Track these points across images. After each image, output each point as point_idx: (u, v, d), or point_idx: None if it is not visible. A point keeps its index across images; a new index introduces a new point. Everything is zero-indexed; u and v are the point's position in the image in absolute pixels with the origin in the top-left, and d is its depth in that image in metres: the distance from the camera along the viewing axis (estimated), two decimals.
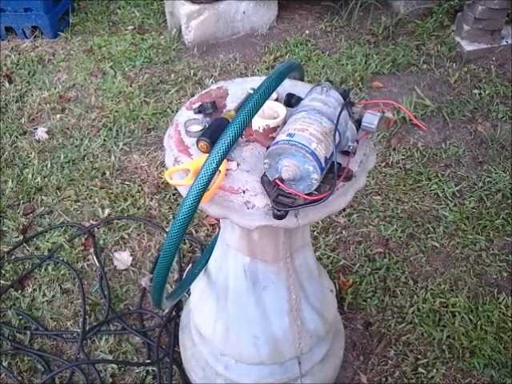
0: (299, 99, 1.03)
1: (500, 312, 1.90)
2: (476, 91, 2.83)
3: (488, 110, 2.72)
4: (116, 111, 2.70)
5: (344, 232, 2.15)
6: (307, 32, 3.27)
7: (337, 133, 0.92)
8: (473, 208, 2.24)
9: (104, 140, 2.54)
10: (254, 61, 3.06)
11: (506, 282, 2.00)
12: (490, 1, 2.93)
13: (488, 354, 1.78)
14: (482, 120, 2.68)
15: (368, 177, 2.36)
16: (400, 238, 2.12)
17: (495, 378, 1.73)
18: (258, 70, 2.95)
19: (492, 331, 1.84)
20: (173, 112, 2.68)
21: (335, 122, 0.92)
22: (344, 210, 2.21)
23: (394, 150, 2.49)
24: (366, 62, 2.98)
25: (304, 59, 3.02)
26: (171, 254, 0.89)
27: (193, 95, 2.62)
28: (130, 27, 3.34)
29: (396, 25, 3.27)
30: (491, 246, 2.11)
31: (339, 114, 0.92)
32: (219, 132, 0.89)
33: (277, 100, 1.11)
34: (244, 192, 0.93)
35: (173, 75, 2.94)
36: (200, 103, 1.12)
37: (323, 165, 0.87)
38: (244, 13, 3.17)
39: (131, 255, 2.06)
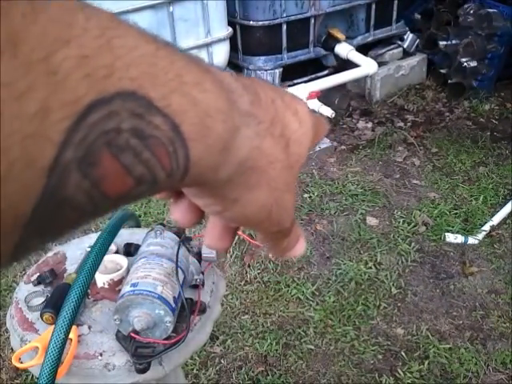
0: (138, 247, 1.05)
1: None
2: (306, 195, 3.09)
3: (321, 209, 2.97)
4: None
5: (223, 361, 2.11)
6: None
7: (179, 270, 0.95)
8: (333, 302, 2.36)
9: None
10: None
11: (383, 364, 2.09)
12: None
13: None
14: (318, 219, 2.90)
15: (232, 298, 2.39)
16: (277, 350, 2.14)
17: None
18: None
19: None
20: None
21: (175, 260, 0.95)
22: (217, 338, 2.19)
23: (249, 266, 2.57)
24: None
25: (144, 202, 3.08)
26: None
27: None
28: None
29: None
30: (360, 333, 2.21)
31: (177, 253, 0.96)
32: (63, 299, 0.88)
33: (117, 252, 1.12)
34: (101, 355, 0.90)
35: None
36: (38, 274, 1.09)
37: (173, 305, 0.88)
38: None
39: None
